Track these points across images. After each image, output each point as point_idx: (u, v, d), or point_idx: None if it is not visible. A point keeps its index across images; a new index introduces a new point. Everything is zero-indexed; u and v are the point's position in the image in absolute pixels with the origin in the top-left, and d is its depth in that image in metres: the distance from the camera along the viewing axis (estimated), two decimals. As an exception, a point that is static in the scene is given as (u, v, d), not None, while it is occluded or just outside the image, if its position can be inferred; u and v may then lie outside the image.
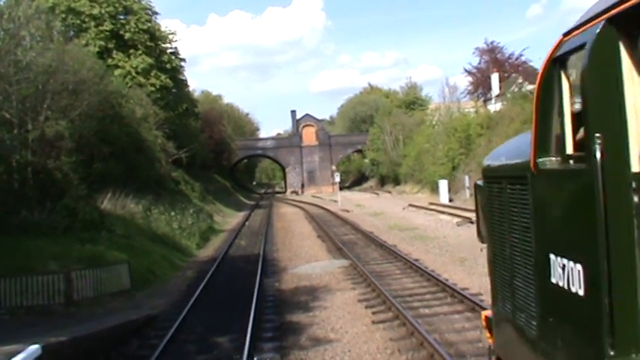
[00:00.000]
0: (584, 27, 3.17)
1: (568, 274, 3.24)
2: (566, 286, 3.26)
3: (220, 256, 21.50)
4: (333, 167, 70.48)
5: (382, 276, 15.07)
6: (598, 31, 2.97)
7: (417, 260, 16.74)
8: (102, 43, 36.83)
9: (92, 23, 36.88)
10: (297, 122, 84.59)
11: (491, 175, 4.90)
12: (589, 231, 2.95)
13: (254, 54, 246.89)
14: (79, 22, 36.38)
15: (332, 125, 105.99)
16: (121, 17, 39.38)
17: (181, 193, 37.47)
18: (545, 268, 3.52)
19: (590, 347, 3.04)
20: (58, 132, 19.32)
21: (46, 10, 24.05)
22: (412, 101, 78.39)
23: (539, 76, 3.65)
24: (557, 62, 3.44)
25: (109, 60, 36.23)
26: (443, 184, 39.20)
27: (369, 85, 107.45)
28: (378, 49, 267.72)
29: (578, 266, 3.12)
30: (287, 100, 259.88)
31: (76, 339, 8.93)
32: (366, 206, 42.28)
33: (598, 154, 2.86)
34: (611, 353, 2.87)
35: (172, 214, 27.12)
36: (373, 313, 11.63)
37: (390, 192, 60.03)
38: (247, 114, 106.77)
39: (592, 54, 2.98)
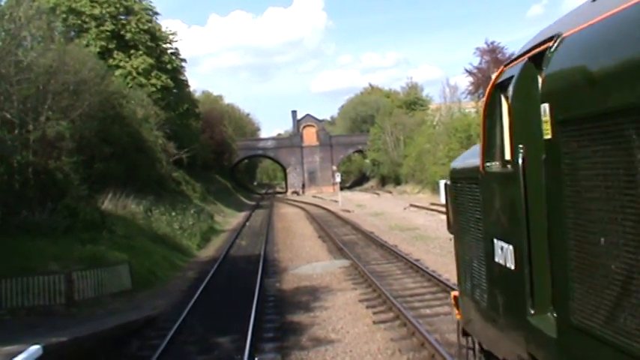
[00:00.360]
0: (515, 62, 3.98)
1: (505, 253, 4.04)
2: (504, 263, 4.07)
3: (221, 256, 21.50)
4: (334, 167, 70.49)
5: (383, 276, 15.06)
6: (522, 66, 3.79)
7: (417, 260, 16.72)
8: (103, 43, 36.87)
9: (93, 23, 36.93)
10: (297, 122, 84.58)
11: (455, 177, 5.71)
12: (516, 219, 3.77)
13: (255, 54, 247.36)
14: (79, 22, 36.42)
15: (333, 125, 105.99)
16: (122, 17, 39.41)
17: (182, 193, 37.46)
18: (491, 251, 4.34)
19: (518, 309, 3.81)
20: (59, 132, 19.32)
21: (46, 11, 24.04)
22: (413, 101, 78.57)
23: (485, 97, 4.47)
24: (499, 87, 4.22)
25: (110, 60, 36.24)
26: (444, 185, 39.15)
27: (370, 85, 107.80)
28: (378, 49, 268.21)
29: (511, 247, 3.92)
30: (288, 101, 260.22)
31: (77, 339, 8.92)
32: (367, 206, 42.28)
33: (520, 161, 3.64)
34: (532, 312, 3.62)
35: (173, 214, 27.11)
36: (374, 313, 11.62)
37: (390, 192, 60.04)
38: (248, 114, 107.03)
39: (517, 84, 3.80)
